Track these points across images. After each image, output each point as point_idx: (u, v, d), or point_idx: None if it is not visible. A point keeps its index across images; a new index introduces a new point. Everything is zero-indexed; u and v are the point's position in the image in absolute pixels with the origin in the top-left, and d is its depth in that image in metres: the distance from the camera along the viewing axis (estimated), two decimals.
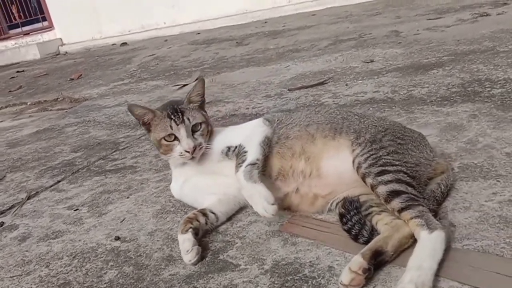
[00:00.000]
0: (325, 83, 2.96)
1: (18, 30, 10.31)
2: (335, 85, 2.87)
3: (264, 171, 1.43)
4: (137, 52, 6.45)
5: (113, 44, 8.48)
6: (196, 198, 1.55)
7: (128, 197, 1.82)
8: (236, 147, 1.49)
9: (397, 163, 1.27)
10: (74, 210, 1.81)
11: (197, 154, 1.48)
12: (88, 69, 5.96)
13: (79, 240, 1.55)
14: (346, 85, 2.82)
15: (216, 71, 4.24)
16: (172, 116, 1.47)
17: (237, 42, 5.63)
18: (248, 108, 2.79)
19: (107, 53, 7.20)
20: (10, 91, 5.63)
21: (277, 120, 1.59)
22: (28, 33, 10.06)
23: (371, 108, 2.28)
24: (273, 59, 4.16)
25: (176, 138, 1.48)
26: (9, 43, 10.00)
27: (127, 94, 4.01)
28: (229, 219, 1.49)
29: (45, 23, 9.91)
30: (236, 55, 4.81)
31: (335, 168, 1.38)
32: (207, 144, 1.51)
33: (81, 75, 5.60)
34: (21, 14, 10.12)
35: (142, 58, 5.87)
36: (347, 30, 4.88)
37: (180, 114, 1.48)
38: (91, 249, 1.47)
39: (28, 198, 2.04)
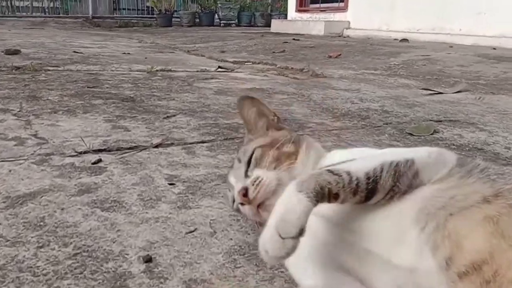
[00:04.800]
0: None
1: (317, 5, 10.64)
2: None
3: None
4: (411, 50, 5.65)
5: (394, 39, 7.85)
6: (298, 266, 0.82)
7: None
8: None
9: None
10: (170, 184, 1.29)
11: (255, 195, 0.84)
12: (351, 52, 5.51)
13: None
14: None
15: (492, 91, 3.19)
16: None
17: None
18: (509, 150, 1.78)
19: (381, 44, 6.61)
20: (273, 52, 5.77)
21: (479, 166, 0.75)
22: (324, 10, 10.27)
23: None
24: None
25: None
26: (305, 16, 10.44)
27: (367, 84, 3.37)
28: None
29: (341, 4, 9.90)
30: None
31: None
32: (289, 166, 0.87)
33: (340, 55, 5.19)
34: None
35: (411, 56, 5.06)
36: None
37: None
38: None
39: (156, 146, 1.63)
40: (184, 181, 1.35)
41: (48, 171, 1.40)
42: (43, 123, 1.92)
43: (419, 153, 0.79)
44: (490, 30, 6.87)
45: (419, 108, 2.51)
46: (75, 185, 1.31)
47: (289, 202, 0.68)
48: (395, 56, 5.11)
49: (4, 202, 1.18)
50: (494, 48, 6.03)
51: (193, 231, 1.06)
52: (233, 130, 1.91)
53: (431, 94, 2.99)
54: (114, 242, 1.02)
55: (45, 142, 1.67)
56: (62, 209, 1.16)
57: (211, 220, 1.12)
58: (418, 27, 8.02)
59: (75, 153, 1.57)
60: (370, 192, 0.73)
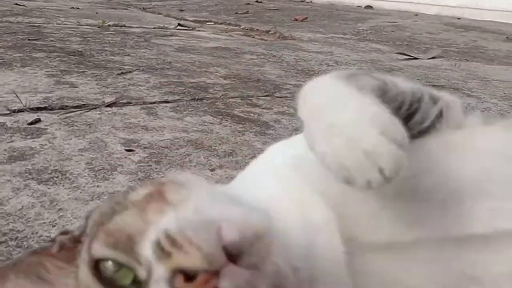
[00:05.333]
0: None
1: None
2: None
3: None
4: (377, 16, 5.51)
5: (358, 6, 7.71)
6: None
7: None
8: None
9: None
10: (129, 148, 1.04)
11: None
12: (317, 16, 5.30)
13: None
14: None
15: (465, 58, 3.09)
16: None
17: (507, 37, 4.24)
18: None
19: (346, 10, 6.44)
20: (236, 13, 5.49)
21: None
22: None
23: None
24: None
25: None
26: None
27: (339, 47, 3.17)
28: None
29: None
30: (500, 50, 3.54)
31: None
32: None
33: (306, 18, 4.96)
34: None
35: (379, 22, 4.92)
36: None
37: None
38: None
39: (109, 105, 1.36)
40: (145, 147, 1.10)
41: None
42: None
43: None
44: (453, 0, 6.84)
45: (399, 72, 2.34)
46: (5, 150, 1.03)
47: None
48: (362, 21, 4.94)
49: None
50: (459, 18, 6.00)
51: None
52: (200, 89, 1.65)
53: (406, 59, 2.84)
54: (54, 226, 0.77)
55: None
56: None
57: None
58: None
59: (8, 112, 1.28)
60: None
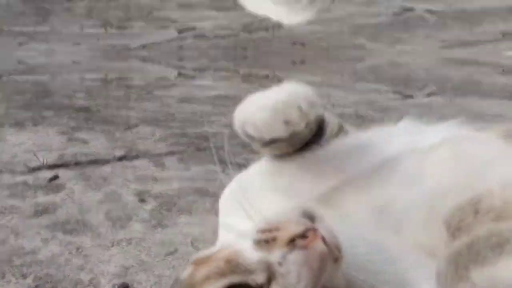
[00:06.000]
0: None
1: None
2: None
3: None
4: (375, 53, 5.70)
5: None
6: None
7: None
8: None
9: None
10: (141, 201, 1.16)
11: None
12: (315, 58, 5.50)
13: None
14: None
15: (460, 93, 3.21)
16: None
17: (503, 70, 4.36)
18: None
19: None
20: (235, 58, 5.65)
21: None
22: None
23: None
24: None
25: None
26: None
27: (336, 89, 3.32)
28: None
29: None
30: (496, 84, 3.53)
31: None
32: None
33: (304, 61, 5.15)
34: None
35: (377, 60, 5.10)
36: None
37: None
38: None
39: (120, 159, 1.49)
40: (156, 197, 1.22)
41: None
42: None
43: None
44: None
45: (394, 112, 2.48)
46: (31, 205, 1.15)
47: None
48: (360, 60, 5.11)
49: None
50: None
51: (173, 253, 0.94)
52: (203, 139, 1.78)
53: (402, 98, 2.98)
54: (82, 270, 0.88)
55: None
56: (17, 234, 1.01)
57: (192, 239, 1.00)
58: None
59: (28, 170, 1.40)
60: None
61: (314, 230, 0.49)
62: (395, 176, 0.66)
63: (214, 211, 1.15)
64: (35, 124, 1.97)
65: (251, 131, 0.60)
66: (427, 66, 4.54)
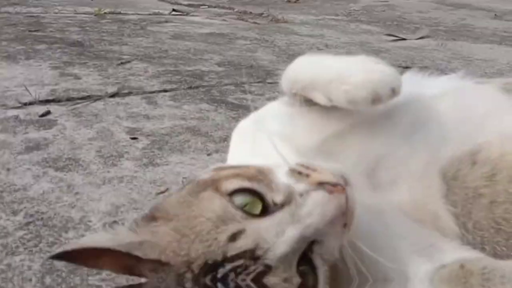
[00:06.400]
0: None
1: None
2: None
3: None
4: None
5: None
6: None
7: None
8: None
9: None
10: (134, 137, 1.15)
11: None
12: None
13: None
14: None
15: (453, 37, 3.18)
16: None
17: (495, 15, 4.32)
18: None
19: None
20: None
21: None
22: None
23: None
24: None
25: None
26: None
27: (330, 29, 3.25)
28: None
29: None
30: (488, 28, 3.63)
31: None
32: None
33: (298, 0, 5.01)
34: None
35: (370, 1, 4.97)
36: None
37: None
38: None
39: (112, 96, 1.47)
40: (148, 135, 1.22)
41: None
42: None
43: None
44: None
45: (386, 54, 2.44)
46: (22, 141, 1.15)
47: None
48: (354, 1, 4.99)
49: None
50: None
51: (164, 192, 0.95)
52: (196, 77, 1.75)
53: (394, 40, 2.93)
54: (73, 207, 0.89)
55: None
56: (8, 169, 1.01)
57: (183, 178, 1.00)
58: None
59: (19, 104, 1.39)
60: None
61: (344, 188, 0.53)
62: (397, 126, 0.68)
63: (206, 150, 1.16)
64: (28, 58, 1.93)
65: (339, 101, 0.63)
66: (420, 9, 4.44)
